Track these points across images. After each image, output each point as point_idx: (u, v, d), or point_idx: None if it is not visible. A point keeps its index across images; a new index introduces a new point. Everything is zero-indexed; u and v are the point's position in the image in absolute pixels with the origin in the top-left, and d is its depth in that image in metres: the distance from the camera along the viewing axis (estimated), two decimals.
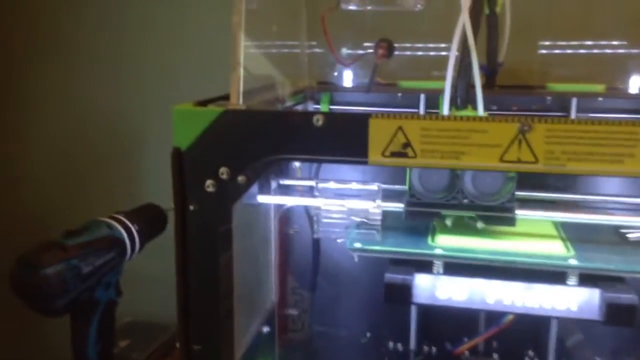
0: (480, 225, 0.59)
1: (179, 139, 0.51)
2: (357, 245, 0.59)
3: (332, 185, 0.55)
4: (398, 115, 0.48)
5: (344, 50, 0.85)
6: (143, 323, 1.03)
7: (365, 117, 0.48)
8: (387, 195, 0.61)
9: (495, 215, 0.57)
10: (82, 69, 1.08)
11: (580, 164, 0.46)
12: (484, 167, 0.48)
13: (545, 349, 0.77)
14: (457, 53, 0.56)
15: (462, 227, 0.61)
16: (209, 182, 0.51)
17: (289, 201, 0.61)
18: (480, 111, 0.57)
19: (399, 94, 0.80)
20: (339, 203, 0.54)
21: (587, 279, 0.56)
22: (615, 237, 0.62)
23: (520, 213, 0.57)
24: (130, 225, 0.76)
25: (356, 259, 0.59)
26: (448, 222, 0.61)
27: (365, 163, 0.48)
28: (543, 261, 0.55)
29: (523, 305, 0.55)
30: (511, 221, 0.57)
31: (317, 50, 0.86)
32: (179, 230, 0.52)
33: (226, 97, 0.55)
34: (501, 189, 0.57)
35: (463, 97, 0.59)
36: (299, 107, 0.76)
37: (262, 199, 0.60)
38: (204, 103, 0.53)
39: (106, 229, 0.73)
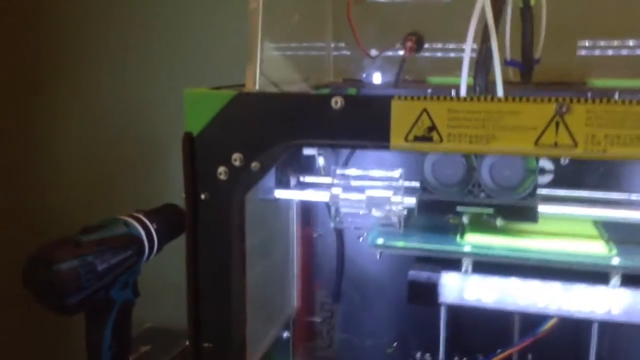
0: (499, 222, 0.55)
1: (190, 123, 0.49)
2: (380, 241, 0.55)
3: (352, 172, 0.52)
4: (423, 97, 0.45)
5: (373, 52, 0.82)
6: (164, 329, 1.01)
7: (387, 99, 0.45)
8: (407, 192, 0.57)
9: (516, 210, 0.52)
10: (109, 72, 1.07)
11: (624, 148, 0.41)
12: (517, 151, 0.44)
13: None
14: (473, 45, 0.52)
15: (480, 225, 0.57)
16: (221, 169, 0.48)
17: (304, 195, 0.58)
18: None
19: (429, 90, 0.77)
20: (357, 194, 0.50)
21: (631, 280, 0.51)
22: None
23: (543, 209, 0.53)
24: (149, 224, 0.74)
25: (378, 257, 0.55)
26: (465, 219, 0.56)
27: (386, 148, 0.45)
28: (583, 260, 0.51)
29: (559, 307, 0.51)
30: (533, 217, 0.52)
31: (344, 52, 0.83)
32: (190, 220, 0.49)
33: (242, 86, 0.52)
34: (522, 182, 0.53)
35: (482, 86, 0.55)
36: None
37: (278, 193, 0.57)
38: (217, 88, 0.51)
39: (123, 226, 0.71)
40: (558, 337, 0.70)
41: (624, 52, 0.82)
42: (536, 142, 0.43)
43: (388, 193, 0.50)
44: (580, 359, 0.72)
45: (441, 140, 0.44)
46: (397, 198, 0.50)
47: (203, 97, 0.48)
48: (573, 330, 0.72)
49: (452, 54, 0.87)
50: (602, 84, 0.72)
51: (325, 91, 0.75)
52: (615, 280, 0.51)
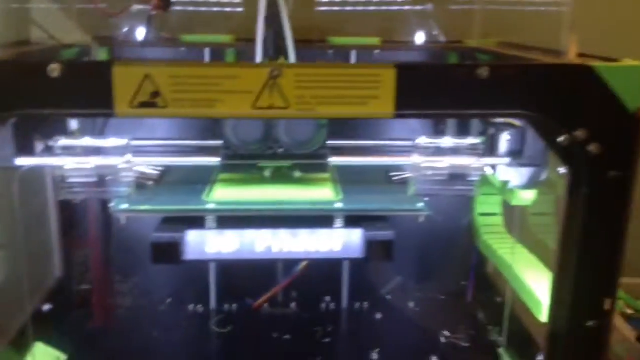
0: (297, 174, 0.62)
1: None
2: (124, 206, 0.55)
3: (85, 141, 0.51)
4: (144, 63, 0.45)
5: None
6: None
7: (108, 65, 0.44)
8: (200, 149, 0.61)
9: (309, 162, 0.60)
10: None
11: (329, 107, 0.46)
12: (238, 114, 0.47)
13: (340, 293, 0.81)
14: None
15: (280, 178, 0.63)
16: None
17: (33, 162, 0.53)
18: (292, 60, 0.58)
19: (183, 49, 0.77)
20: (86, 163, 0.50)
21: (352, 221, 0.58)
22: (384, 179, 0.65)
23: (333, 160, 0.59)
24: None
25: (124, 221, 0.55)
26: (267, 173, 0.63)
27: (112, 115, 0.45)
28: (309, 207, 0.57)
29: (290, 251, 0.56)
30: (324, 167, 0.60)
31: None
32: None
33: None
34: (313, 137, 0.59)
35: (273, 47, 0.59)
36: None
37: (20, 161, 0.52)
38: None
39: None
40: (317, 275, 0.78)
41: (360, 9, 0.89)
42: (254, 105, 0.46)
43: (117, 160, 0.50)
44: (336, 290, 0.81)
45: (166, 105, 0.45)
46: (126, 165, 0.50)
47: None
48: (329, 267, 0.80)
49: (203, 8, 0.86)
50: (340, 41, 0.79)
51: (73, 51, 0.71)
52: (339, 222, 0.57)
